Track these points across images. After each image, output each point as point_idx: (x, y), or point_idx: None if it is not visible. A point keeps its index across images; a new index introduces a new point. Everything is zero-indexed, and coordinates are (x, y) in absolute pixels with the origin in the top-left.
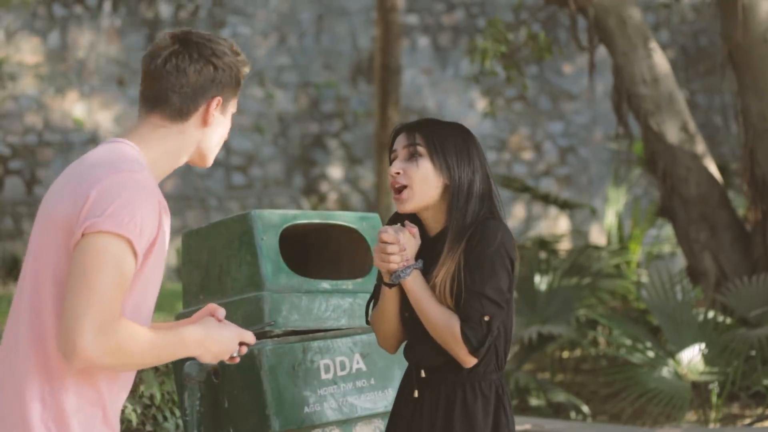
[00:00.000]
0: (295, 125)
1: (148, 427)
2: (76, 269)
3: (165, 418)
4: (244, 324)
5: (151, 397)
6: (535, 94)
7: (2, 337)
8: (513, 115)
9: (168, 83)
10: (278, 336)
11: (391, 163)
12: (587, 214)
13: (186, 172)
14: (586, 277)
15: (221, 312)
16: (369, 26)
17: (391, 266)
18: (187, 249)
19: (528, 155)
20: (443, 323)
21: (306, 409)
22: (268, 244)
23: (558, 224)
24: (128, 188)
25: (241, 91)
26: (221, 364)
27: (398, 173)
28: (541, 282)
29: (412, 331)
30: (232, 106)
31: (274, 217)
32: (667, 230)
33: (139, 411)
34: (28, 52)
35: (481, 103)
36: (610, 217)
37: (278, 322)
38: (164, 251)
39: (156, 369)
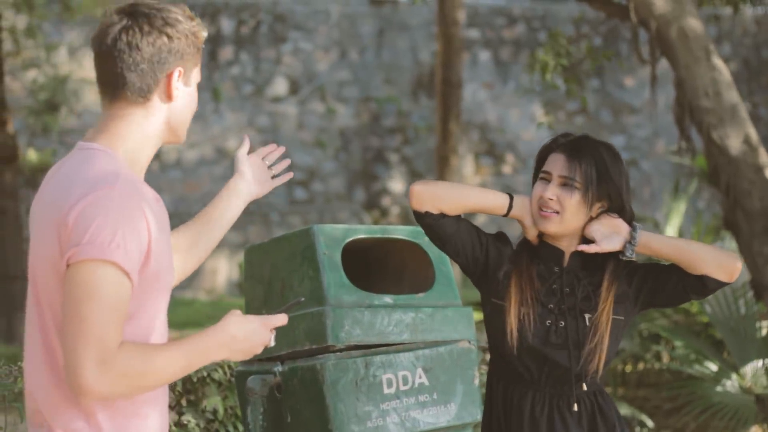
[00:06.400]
0: (356, 140)
1: None
2: (67, 303)
3: None
4: (307, 340)
5: (214, 412)
6: (597, 108)
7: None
8: (574, 129)
9: (122, 63)
10: (341, 351)
11: (536, 177)
12: (650, 228)
13: None
14: None
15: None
16: (430, 41)
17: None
18: (250, 264)
19: None
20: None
21: (368, 424)
22: (330, 258)
23: None
24: (103, 207)
25: (303, 105)
26: (284, 378)
27: (552, 199)
28: None
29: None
30: (196, 76)
31: (336, 232)
32: (731, 244)
33: (202, 425)
34: (91, 68)
35: (543, 117)
36: (672, 231)
37: (341, 337)
38: (165, 253)
39: (219, 384)
